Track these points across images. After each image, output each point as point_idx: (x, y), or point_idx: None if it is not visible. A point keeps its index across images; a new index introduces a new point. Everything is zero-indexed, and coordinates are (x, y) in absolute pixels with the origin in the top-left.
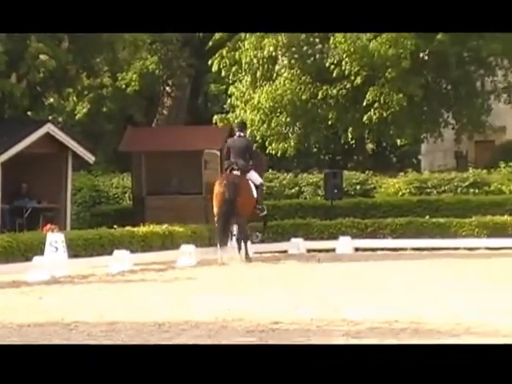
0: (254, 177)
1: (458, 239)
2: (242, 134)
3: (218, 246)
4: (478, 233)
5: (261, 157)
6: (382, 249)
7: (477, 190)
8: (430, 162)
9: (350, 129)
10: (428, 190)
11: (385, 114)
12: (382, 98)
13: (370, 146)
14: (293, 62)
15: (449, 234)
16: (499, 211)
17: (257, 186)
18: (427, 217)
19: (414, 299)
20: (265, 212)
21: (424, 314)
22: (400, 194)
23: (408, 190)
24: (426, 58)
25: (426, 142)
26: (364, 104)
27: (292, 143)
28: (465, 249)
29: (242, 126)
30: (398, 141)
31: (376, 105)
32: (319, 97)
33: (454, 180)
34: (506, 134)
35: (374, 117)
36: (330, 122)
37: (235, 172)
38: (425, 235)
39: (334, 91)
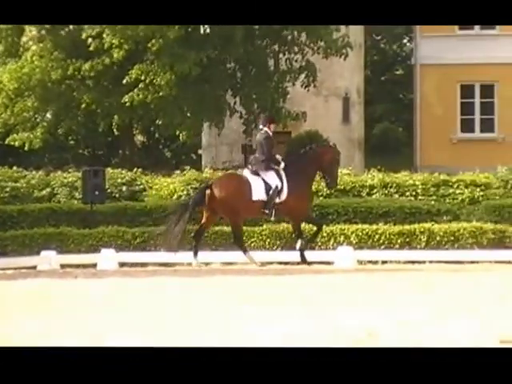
0: (269, 177)
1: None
2: (264, 129)
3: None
4: (270, 244)
5: (317, 151)
6: (153, 263)
7: None
8: (212, 158)
9: (116, 117)
10: None
11: (149, 97)
12: (148, 78)
13: (139, 138)
14: (43, 32)
15: (235, 246)
16: None
17: (269, 187)
18: None
19: (181, 325)
20: (272, 217)
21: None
22: (176, 196)
23: (185, 192)
24: (208, 29)
25: (207, 134)
26: (126, 84)
27: (39, 133)
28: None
29: (266, 119)
30: (178, 132)
31: (141, 85)
32: (70, 72)
33: None
34: (304, 123)
35: (137, 99)
36: (86, 107)
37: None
38: (205, 247)
39: (87, 66)
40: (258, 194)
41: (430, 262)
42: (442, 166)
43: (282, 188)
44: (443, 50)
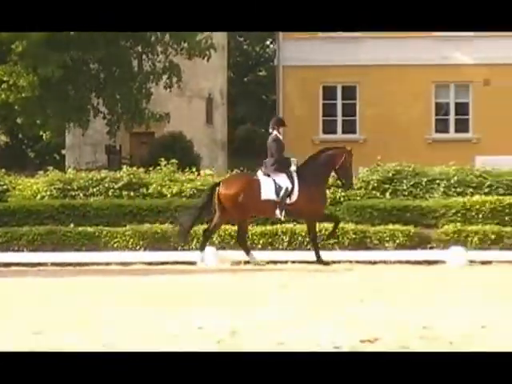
0: (280, 178)
1: (109, 252)
2: (273, 132)
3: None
4: (133, 244)
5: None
6: (17, 264)
7: (132, 193)
8: (75, 159)
9: None
10: (73, 193)
11: (12, 98)
12: (11, 79)
13: (2, 139)
14: None
15: (98, 246)
16: (159, 218)
17: (279, 188)
18: (72, 225)
19: (46, 325)
20: (281, 217)
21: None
22: (39, 196)
23: (49, 193)
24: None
25: (71, 134)
26: None
27: None
28: (117, 264)
29: (274, 122)
30: (42, 132)
31: (4, 86)
32: None
33: (104, 180)
34: (168, 124)
35: None
36: None
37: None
38: (69, 247)
39: None
40: (268, 193)
41: (293, 262)
42: None
43: (292, 189)
44: (306, 51)
